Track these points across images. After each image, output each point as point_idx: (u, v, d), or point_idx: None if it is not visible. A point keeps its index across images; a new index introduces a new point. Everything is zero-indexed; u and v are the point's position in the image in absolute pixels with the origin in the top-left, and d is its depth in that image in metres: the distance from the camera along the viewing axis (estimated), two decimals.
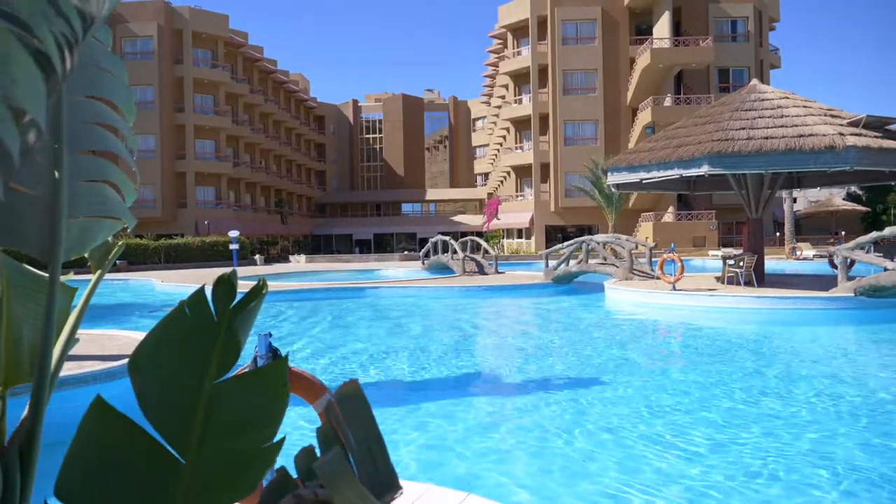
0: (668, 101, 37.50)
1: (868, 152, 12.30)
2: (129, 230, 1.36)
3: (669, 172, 14.54)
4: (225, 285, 1.16)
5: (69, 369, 6.27)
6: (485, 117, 62.42)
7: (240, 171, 47.24)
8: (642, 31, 41.33)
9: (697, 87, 39.42)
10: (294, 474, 1.04)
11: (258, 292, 1.15)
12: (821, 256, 27.60)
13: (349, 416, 0.98)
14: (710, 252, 32.03)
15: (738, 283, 14.80)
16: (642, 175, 15.45)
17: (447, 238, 25.38)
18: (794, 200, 37.82)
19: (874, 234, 13.00)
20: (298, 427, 5.50)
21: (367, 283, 19.86)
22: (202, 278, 23.72)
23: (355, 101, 70.54)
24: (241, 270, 29.05)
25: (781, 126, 13.27)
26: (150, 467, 1.06)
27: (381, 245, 57.69)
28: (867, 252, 13.09)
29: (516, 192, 46.49)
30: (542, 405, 6.78)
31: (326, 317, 14.34)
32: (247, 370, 1.24)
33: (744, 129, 13.54)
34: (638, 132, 38.32)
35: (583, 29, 41.09)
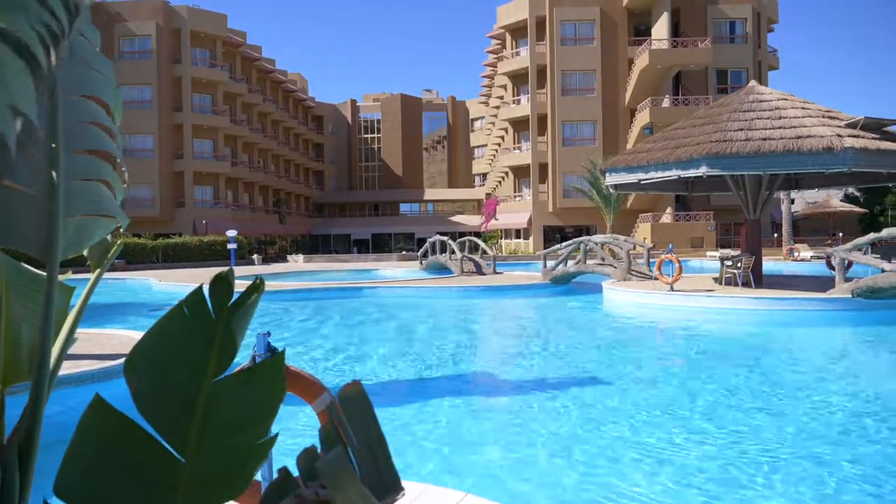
0: (666, 102, 37.54)
1: (866, 154, 12.33)
2: (122, 229, 1.36)
3: (668, 173, 14.56)
4: (222, 284, 1.16)
5: (67, 368, 6.26)
6: (483, 117, 62.45)
7: (238, 171, 47.19)
8: (641, 31, 41.37)
9: (696, 88, 39.48)
10: (295, 474, 1.04)
11: (255, 290, 1.15)
12: (818, 258, 27.66)
13: (352, 416, 0.98)
14: (708, 253, 32.09)
15: (736, 284, 14.82)
16: (640, 176, 15.47)
17: (445, 238, 25.37)
18: (792, 202, 37.88)
19: (872, 236, 13.02)
20: (289, 425, 5.49)
21: (365, 283, 19.86)
22: (200, 278, 23.70)
23: (353, 101, 70.52)
24: (239, 270, 29.03)
25: (780, 127, 13.29)
26: (149, 465, 1.06)
27: (379, 245, 57.69)
28: (864, 253, 13.11)
29: (514, 192, 46.51)
30: (539, 406, 6.78)
31: (324, 317, 14.33)
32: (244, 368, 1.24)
33: (742, 130, 13.56)
34: (636, 133, 38.36)
35: (581, 29, 41.12)
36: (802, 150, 12.52)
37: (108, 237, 1.35)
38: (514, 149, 45.76)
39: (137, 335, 8.69)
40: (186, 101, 43.44)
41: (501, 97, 48.85)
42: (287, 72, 58.40)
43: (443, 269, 25.05)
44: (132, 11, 41.40)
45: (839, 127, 12.99)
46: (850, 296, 12.34)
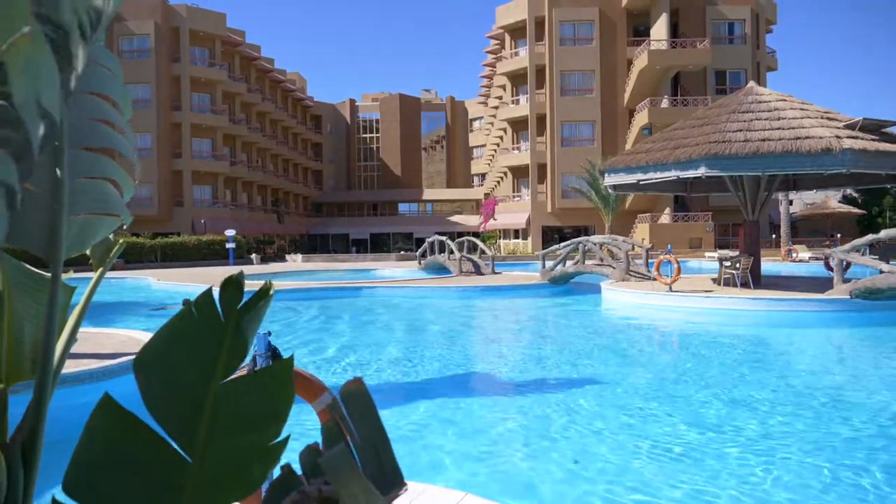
0: (664, 103, 37.58)
1: (864, 155, 12.35)
2: (125, 227, 1.37)
3: (666, 174, 14.57)
4: (233, 286, 1.17)
5: (65, 367, 6.24)
6: (482, 118, 62.46)
7: (236, 170, 47.15)
8: (640, 32, 41.42)
9: (694, 89, 39.53)
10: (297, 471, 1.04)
11: (265, 293, 1.16)
12: (816, 258, 27.71)
13: (354, 413, 0.98)
14: (707, 253, 32.12)
15: (735, 285, 14.83)
16: (639, 176, 15.48)
17: (444, 238, 25.37)
18: (791, 203, 37.94)
19: (870, 237, 13.05)
20: (295, 425, 5.49)
21: (364, 283, 19.85)
22: (198, 277, 23.66)
23: (352, 101, 70.49)
24: (237, 270, 28.98)
25: (778, 128, 13.31)
26: (157, 465, 1.06)
27: (378, 245, 57.67)
28: (863, 254, 13.13)
29: (513, 192, 46.53)
30: (537, 406, 6.78)
31: (323, 316, 14.33)
32: (245, 368, 1.24)
33: (741, 131, 13.58)
34: (635, 133, 38.40)
35: (580, 30, 41.15)
36: (801, 151, 12.53)
37: (111, 236, 1.35)
38: (513, 149, 45.77)
39: (136, 334, 8.68)
40: (185, 100, 43.39)
41: (500, 97, 48.87)
42: (286, 71, 58.37)
43: (441, 269, 25.05)
44: (131, 10, 41.32)
45: (838, 128, 13.01)
46: (849, 297, 12.36)
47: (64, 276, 1.31)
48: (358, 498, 0.84)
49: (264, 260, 41.29)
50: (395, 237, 57.87)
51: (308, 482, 0.96)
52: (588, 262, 18.93)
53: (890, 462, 4.93)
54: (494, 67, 50.05)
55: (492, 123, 53.32)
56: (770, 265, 24.14)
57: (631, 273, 17.66)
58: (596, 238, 19.36)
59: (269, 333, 3.19)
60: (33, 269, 1.29)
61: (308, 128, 63.42)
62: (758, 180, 15.57)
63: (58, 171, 1.07)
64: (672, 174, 14.43)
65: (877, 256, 14.33)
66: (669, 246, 17.52)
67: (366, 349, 10.19)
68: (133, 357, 6.80)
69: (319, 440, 1.00)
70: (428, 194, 64.85)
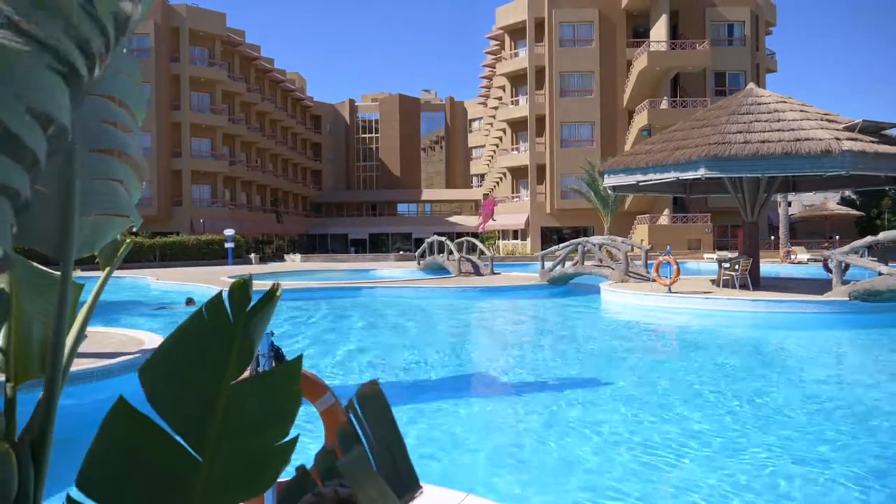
0: (664, 104, 37.61)
1: (864, 157, 12.37)
2: (135, 228, 1.37)
3: (666, 175, 14.59)
4: (241, 289, 1.18)
5: None
6: (481, 118, 62.46)
7: (236, 170, 47.12)
8: (639, 33, 41.45)
9: (694, 91, 39.57)
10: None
11: (272, 296, 1.17)
12: (815, 260, 27.74)
13: (369, 415, 0.98)
14: (706, 255, 32.14)
15: (734, 286, 14.85)
16: (639, 177, 15.49)
17: (443, 239, 25.36)
18: (789, 204, 37.98)
19: (869, 239, 13.07)
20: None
21: (363, 283, 19.84)
22: (197, 276, 23.64)
23: (352, 101, 70.48)
24: (237, 269, 29.00)
25: (778, 130, 13.33)
26: (169, 465, 1.08)
27: (377, 245, 57.65)
28: (861, 256, 13.16)
29: (512, 193, 46.54)
30: (536, 407, 6.78)
31: (323, 316, 14.32)
32: (248, 368, 1.25)
33: (741, 132, 13.60)
34: (634, 135, 38.42)
35: (580, 31, 41.18)
36: (801, 153, 12.56)
37: (118, 236, 1.36)
38: (513, 150, 45.79)
39: (135, 333, 8.67)
40: (185, 100, 43.36)
41: (500, 98, 48.89)
42: (286, 71, 58.35)
43: (440, 270, 25.05)
44: None
45: (837, 130, 13.04)
46: (848, 298, 12.38)
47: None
48: (375, 501, 0.84)
49: (263, 260, 41.25)
50: (393, 237, 57.86)
51: (323, 483, 0.96)
52: (587, 263, 18.93)
53: (887, 463, 4.93)
54: (494, 68, 50.07)
55: (491, 124, 53.33)
56: (769, 267, 24.15)
57: (630, 274, 17.67)
58: (595, 239, 19.37)
59: (272, 333, 3.20)
60: (42, 267, 1.30)
61: (307, 128, 63.39)
62: (757, 182, 15.59)
63: (70, 172, 1.07)
64: (671, 175, 14.44)
65: (876, 258, 14.36)
66: (669, 247, 17.54)
67: (365, 349, 10.18)
68: (133, 356, 6.77)
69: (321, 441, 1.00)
70: (427, 195, 64.85)
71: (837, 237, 36.30)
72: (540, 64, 41.76)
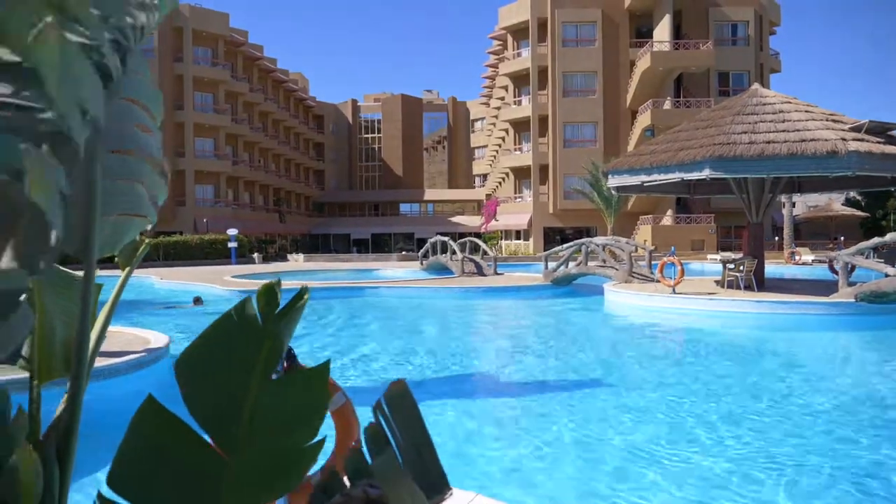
0: (667, 105, 37.55)
1: (870, 158, 12.33)
2: (150, 228, 1.37)
3: (670, 176, 14.55)
4: (269, 293, 1.19)
5: None
6: (484, 118, 62.45)
7: (239, 170, 47.17)
8: (642, 33, 41.39)
9: (697, 91, 39.50)
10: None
11: (300, 298, 1.19)
12: (820, 261, 27.66)
13: (398, 415, 0.97)
14: (709, 256, 32.09)
15: (738, 287, 14.81)
16: (643, 178, 15.46)
17: (446, 239, 25.34)
18: (794, 205, 37.88)
19: (875, 240, 13.03)
20: None
21: (366, 283, 19.83)
22: (201, 276, 23.66)
23: (354, 101, 70.51)
24: (240, 269, 29.01)
25: (783, 130, 13.29)
26: (197, 464, 1.09)
27: (379, 245, 57.65)
28: (868, 258, 13.11)
29: (515, 193, 46.51)
30: (540, 408, 6.77)
31: (328, 316, 14.31)
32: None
33: (745, 133, 13.56)
34: (637, 135, 38.37)
35: (583, 31, 41.13)
36: (806, 154, 12.52)
37: (137, 236, 1.36)
38: (515, 150, 45.76)
39: (141, 332, 8.67)
40: (188, 100, 43.41)
41: (502, 98, 48.86)
42: (288, 71, 58.39)
43: (443, 270, 25.03)
44: None
45: (843, 130, 12.99)
46: (854, 300, 12.33)
47: None
48: (406, 502, 0.83)
49: (266, 259, 41.29)
50: (396, 237, 57.86)
51: (352, 484, 0.95)
52: (591, 264, 18.90)
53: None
54: (497, 68, 50.05)
55: (493, 124, 53.31)
56: (773, 268, 24.10)
57: (634, 275, 17.64)
58: (599, 239, 19.34)
59: None
60: (62, 268, 1.30)
61: (310, 128, 63.42)
62: (762, 182, 15.54)
63: (92, 172, 1.07)
64: (676, 176, 14.41)
65: (882, 260, 14.31)
66: (673, 248, 17.51)
67: (371, 349, 10.18)
68: (140, 355, 6.76)
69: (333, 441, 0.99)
70: (429, 195, 64.85)
71: (842, 238, 36.18)
72: (543, 64, 41.72)
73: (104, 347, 7.52)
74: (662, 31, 38.26)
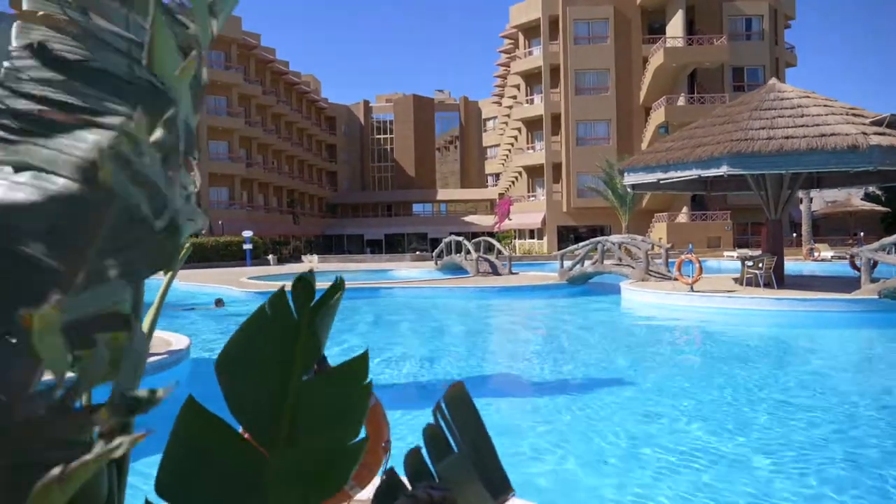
0: (681, 101, 37.25)
1: (892, 152, 12.14)
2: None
3: (687, 173, 14.43)
4: (303, 284, 1.16)
5: None
6: (496, 117, 62.36)
7: (253, 172, 47.49)
8: (655, 29, 41.09)
9: (711, 86, 39.13)
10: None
11: (336, 290, 1.15)
12: (840, 257, 27.29)
13: (457, 417, 0.96)
14: (726, 253, 31.76)
15: (758, 285, 14.64)
16: (659, 175, 15.34)
17: (461, 238, 25.33)
18: (811, 200, 37.39)
19: None
20: None
21: (382, 284, 19.87)
22: (218, 278, 23.83)
23: (366, 102, 70.72)
24: (255, 270, 29.20)
25: (802, 125, 13.12)
26: (243, 466, 1.07)
27: (392, 245, 57.76)
28: (890, 253, 12.90)
29: (528, 192, 46.39)
30: (561, 408, 6.73)
31: (345, 317, 14.35)
32: None
33: (764, 128, 13.40)
34: (651, 132, 38.11)
35: (595, 28, 40.92)
36: (826, 149, 12.34)
37: None
38: (528, 149, 45.64)
39: (163, 334, 8.74)
40: (202, 103, 43.74)
41: (514, 97, 48.75)
42: (300, 73, 58.68)
43: (457, 270, 25.02)
44: None
45: (864, 125, 12.80)
46: (877, 297, 12.14)
47: None
48: (471, 502, 0.82)
49: (280, 261, 41.52)
50: (409, 238, 57.95)
51: (413, 486, 0.94)
52: (607, 262, 18.79)
53: None
54: (508, 67, 49.95)
55: (506, 123, 53.21)
56: (791, 264, 23.83)
57: (651, 273, 17.51)
58: (615, 237, 19.22)
59: None
60: None
61: (322, 129, 63.70)
62: (781, 178, 15.36)
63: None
64: (693, 173, 14.28)
65: None
66: (691, 245, 17.37)
67: (394, 350, 10.18)
68: (161, 356, 6.81)
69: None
70: (442, 194, 64.87)
71: (862, 234, 35.68)
72: (555, 62, 41.56)
73: None
74: (675, 27, 37.96)
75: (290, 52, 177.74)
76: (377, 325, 13.16)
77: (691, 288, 14.39)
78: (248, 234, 36.33)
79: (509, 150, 52.86)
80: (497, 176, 62.62)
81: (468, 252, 24.02)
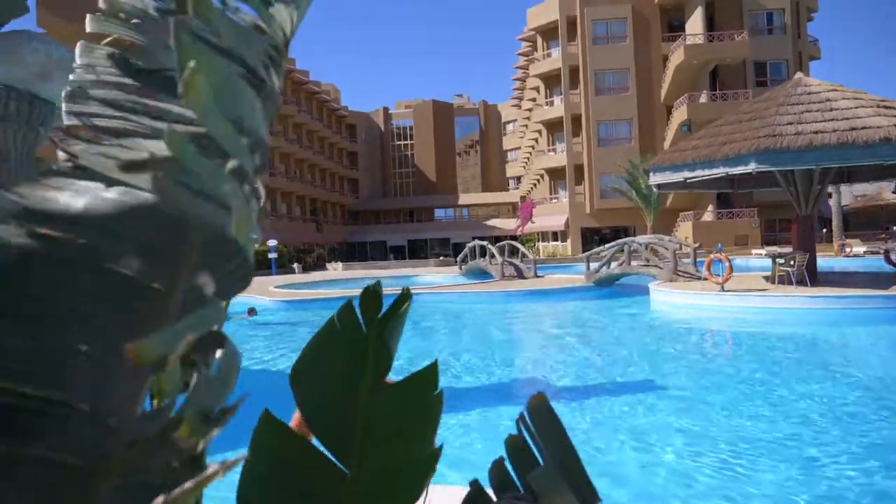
0: (703, 98, 36.80)
1: None
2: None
3: (714, 171, 14.23)
4: (371, 296, 1.18)
5: None
6: (515, 120, 62.26)
7: (276, 181, 48.08)
8: (674, 27, 40.70)
9: (734, 83, 38.59)
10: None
11: (404, 300, 1.16)
12: (873, 252, 26.63)
13: (540, 428, 0.97)
14: (754, 251, 31.22)
15: (790, 283, 14.37)
16: (686, 174, 15.17)
17: (485, 243, 25.30)
18: (840, 195, 36.60)
19: None
20: None
21: (411, 290, 19.90)
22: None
23: (386, 109, 71.15)
24: (281, 279, 29.50)
25: (832, 119, 12.86)
26: (319, 479, 1.08)
27: (415, 251, 57.90)
28: None
29: (550, 194, 46.18)
30: (593, 412, 6.67)
31: None
32: None
33: (791, 123, 13.17)
34: (673, 130, 37.70)
35: (613, 28, 40.67)
36: (858, 143, 12.09)
37: None
38: (549, 151, 45.47)
39: None
40: (277, 113, 44.46)
41: (534, 99, 48.63)
42: (321, 82, 59.27)
43: (482, 274, 24.99)
44: None
45: None
46: None
47: None
48: None
49: (305, 269, 41.92)
50: (432, 243, 58.05)
51: (498, 497, 0.95)
52: (634, 263, 18.61)
53: None
54: (527, 70, 49.88)
55: (526, 126, 53.10)
56: (823, 261, 23.31)
57: (679, 273, 17.30)
58: (641, 238, 19.04)
59: None
60: None
61: (343, 137, 64.24)
62: (811, 174, 15.07)
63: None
64: (720, 171, 14.09)
65: None
66: (720, 244, 17.15)
67: (422, 356, 10.21)
68: None
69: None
70: (463, 199, 64.91)
71: (894, 228, 34.80)
72: (573, 63, 41.39)
73: None
74: (695, 24, 37.55)
75: (309, 62, 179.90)
76: (414, 332, 13.20)
77: (722, 287, 14.18)
78: (272, 243, 36.76)
79: (530, 153, 52.72)
80: (518, 179, 62.47)
81: (492, 256, 23.99)
